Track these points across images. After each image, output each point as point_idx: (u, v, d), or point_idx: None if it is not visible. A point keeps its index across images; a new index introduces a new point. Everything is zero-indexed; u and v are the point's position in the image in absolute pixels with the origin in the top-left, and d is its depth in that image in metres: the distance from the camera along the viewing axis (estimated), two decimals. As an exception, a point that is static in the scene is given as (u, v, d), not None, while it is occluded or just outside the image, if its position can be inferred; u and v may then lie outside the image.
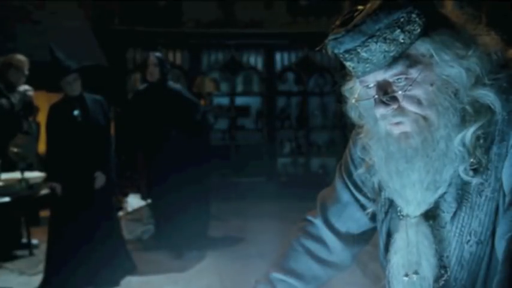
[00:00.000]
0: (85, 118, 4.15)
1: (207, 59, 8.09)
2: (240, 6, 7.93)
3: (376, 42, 0.96)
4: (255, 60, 8.15)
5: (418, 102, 0.99)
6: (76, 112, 4.11)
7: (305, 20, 7.99)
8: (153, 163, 5.30)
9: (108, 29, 7.58)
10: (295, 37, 7.87)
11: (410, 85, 0.98)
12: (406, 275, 1.09)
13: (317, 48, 1.05)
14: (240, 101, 8.34)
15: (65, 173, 4.08)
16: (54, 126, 4.18)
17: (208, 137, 6.05)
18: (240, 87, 8.35)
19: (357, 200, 1.27)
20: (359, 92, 1.09)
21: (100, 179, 4.13)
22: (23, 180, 4.56)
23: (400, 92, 1.00)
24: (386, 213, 1.18)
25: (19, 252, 5.10)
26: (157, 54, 5.37)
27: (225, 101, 8.24)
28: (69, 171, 4.08)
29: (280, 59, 8.17)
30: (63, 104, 4.19)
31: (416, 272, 1.07)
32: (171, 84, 5.32)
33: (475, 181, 1.00)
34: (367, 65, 0.99)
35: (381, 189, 1.17)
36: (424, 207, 1.06)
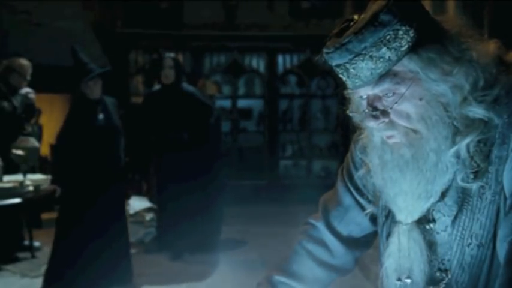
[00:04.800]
0: (106, 121, 4.07)
1: (209, 62, 8.09)
2: (242, 9, 7.94)
3: (363, 60, 0.97)
4: (257, 62, 8.15)
5: (408, 116, 1.00)
6: (101, 116, 4.03)
7: (307, 23, 8.00)
8: (163, 166, 5.20)
9: (111, 31, 7.59)
10: (297, 39, 7.88)
11: (397, 101, 0.99)
12: (399, 279, 1.10)
13: (316, 58, 1.06)
14: (242, 103, 8.35)
15: (79, 175, 3.98)
16: (74, 128, 4.02)
17: (220, 143, 5.92)
18: (242, 90, 8.35)
19: (359, 204, 1.27)
20: (354, 100, 1.09)
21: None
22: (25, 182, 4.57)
23: (389, 107, 1.00)
24: (386, 216, 1.19)
25: (21, 255, 5.09)
26: (173, 55, 5.30)
27: (227, 103, 8.24)
28: (84, 174, 3.98)
29: (282, 61, 8.17)
30: (84, 107, 4.02)
31: (408, 277, 1.08)
32: (186, 86, 5.18)
33: (475, 185, 1.01)
34: (356, 80, 1.00)
35: (380, 193, 1.17)
36: (416, 215, 1.07)
